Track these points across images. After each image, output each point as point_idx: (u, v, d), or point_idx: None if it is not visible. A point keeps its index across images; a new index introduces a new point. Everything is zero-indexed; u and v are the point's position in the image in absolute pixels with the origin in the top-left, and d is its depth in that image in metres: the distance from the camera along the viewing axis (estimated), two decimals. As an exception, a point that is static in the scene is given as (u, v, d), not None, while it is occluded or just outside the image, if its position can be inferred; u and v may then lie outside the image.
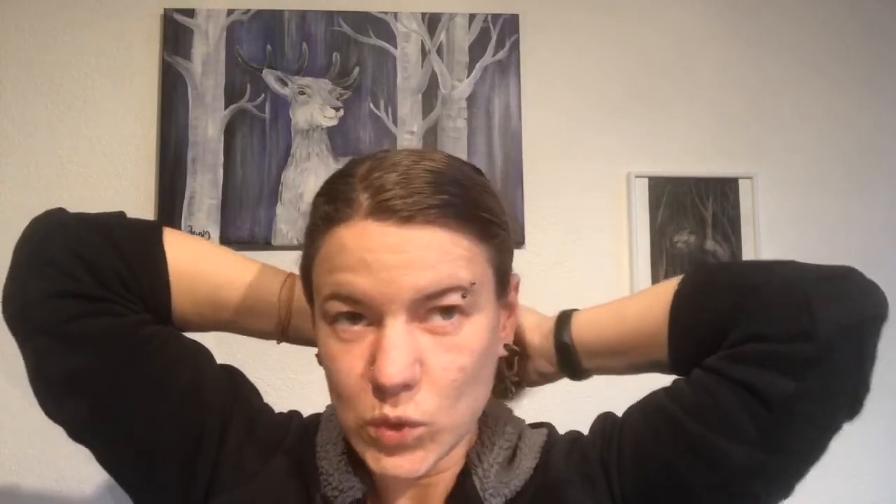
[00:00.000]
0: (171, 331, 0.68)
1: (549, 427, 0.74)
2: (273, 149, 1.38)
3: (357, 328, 0.58)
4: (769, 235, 1.44)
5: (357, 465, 0.66)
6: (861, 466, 1.39)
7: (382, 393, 0.56)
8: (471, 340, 0.60)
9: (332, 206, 0.60)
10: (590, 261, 1.42)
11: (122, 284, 0.66)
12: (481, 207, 0.61)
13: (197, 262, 0.71)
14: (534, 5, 1.47)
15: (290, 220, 1.36)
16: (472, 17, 1.44)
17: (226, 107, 1.38)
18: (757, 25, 1.50)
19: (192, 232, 1.34)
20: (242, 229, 1.35)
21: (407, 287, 0.56)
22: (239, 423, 0.69)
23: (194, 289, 0.70)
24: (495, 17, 1.44)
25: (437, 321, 0.58)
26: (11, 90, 1.37)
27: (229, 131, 1.38)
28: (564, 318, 0.74)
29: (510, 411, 0.74)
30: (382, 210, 0.57)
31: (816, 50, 1.51)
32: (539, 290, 1.39)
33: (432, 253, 0.57)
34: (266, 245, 1.35)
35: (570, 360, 0.72)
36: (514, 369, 0.75)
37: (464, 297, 0.58)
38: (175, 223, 1.34)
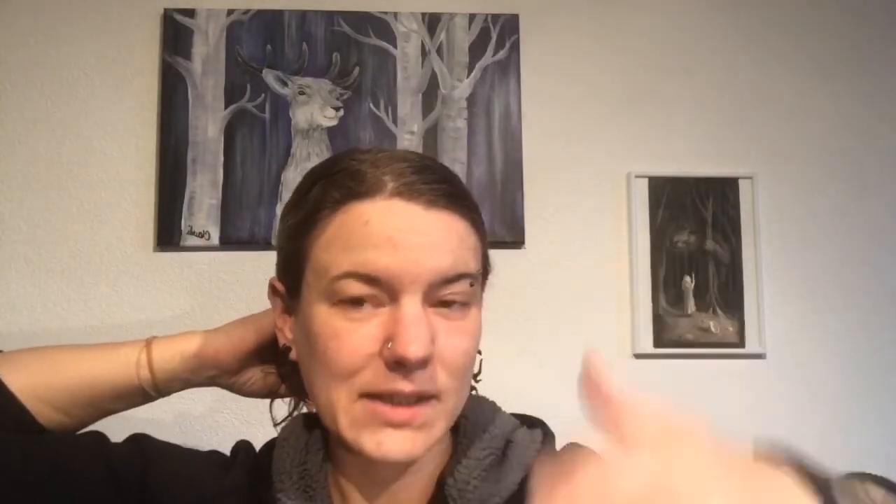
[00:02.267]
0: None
1: (543, 429, 0.71)
2: (273, 149, 1.38)
3: (366, 310, 0.59)
4: (769, 235, 1.44)
5: (316, 489, 0.65)
6: (860, 468, 1.39)
7: (403, 368, 0.57)
8: (473, 327, 0.62)
9: (346, 187, 0.60)
10: (590, 261, 1.42)
11: None
12: (478, 208, 0.65)
13: (37, 376, 0.71)
14: (534, 5, 1.46)
15: (290, 220, 1.36)
16: (472, 17, 1.44)
17: (226, 107, 1.38)
18: (757, 25, 1.50)
19: (191, 232, 1.34)
20: (242, 229, 1.35)
21: (428, 268, 0.58)
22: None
23: (53, 400, 0.71)
24: (495, 17, 1.44)
25: (446, 306, 0.60)
26: (11, 90, 1.37)
27: (229, 131, 1.37)
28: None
29: (495, 410, 0.71)
30: (407, 191, 0.59)
31: (816, 50, 1.51)
32: (539, 290, 1.40)
33: (452, 238, 0.60)
34: (266, 245, 1.35)
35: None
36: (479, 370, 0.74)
37: (471, 285, 0.61)
38: (175, 223, 1.34)
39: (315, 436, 0.69)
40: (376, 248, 0.57)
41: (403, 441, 0.58)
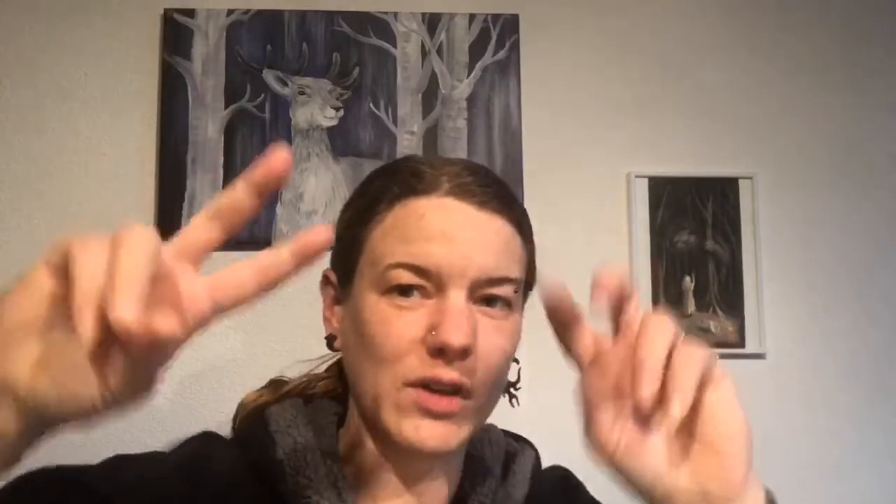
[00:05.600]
0: None
1: (530, 444, 0.73)
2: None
3: (414, 299, 0.61)
4: (769, 235, 1.44)
5: (342, 487, 0.63)
6: (860, 467, 1.39)
7: (444, 355, 0.59)
8: (513, 331, 0.64)
9: (406, 183, 0.63)
10: (589, 261, 1.41)
11: None
12: (527, 215, 0.67)
13: None
14: (534, 5, 1.46)
15: (290, 220, 1.36)
16: (472, 17, 1.44)
17: (226, 107, 1.38)
18: (756, 26, 1.50)
19: (192, 232, 1.34)
20: (242, 229, 1.35)
21: (476, 265, 0.60)
22: None
23: None
24: (495, 17, 1.44)
25: (489, 306, 0.62)
26: (11, 90, 1.37)
27: (229, 131, 1.38)
28: None
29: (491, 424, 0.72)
30: (462, 191, 0.62)
31: (815, 50, 1.51)
32: (538, 290, 1.40)
33: (501, 240, 0.63)
34: (266, 245, 1.35)
35: None
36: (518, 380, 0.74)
37: (515, 291, 0.63)
38: (175, 223, 1.34)
39: (328, 437, 0.66)
40: (429, 240, 0.60)
41: (440, 431, 0.60)
